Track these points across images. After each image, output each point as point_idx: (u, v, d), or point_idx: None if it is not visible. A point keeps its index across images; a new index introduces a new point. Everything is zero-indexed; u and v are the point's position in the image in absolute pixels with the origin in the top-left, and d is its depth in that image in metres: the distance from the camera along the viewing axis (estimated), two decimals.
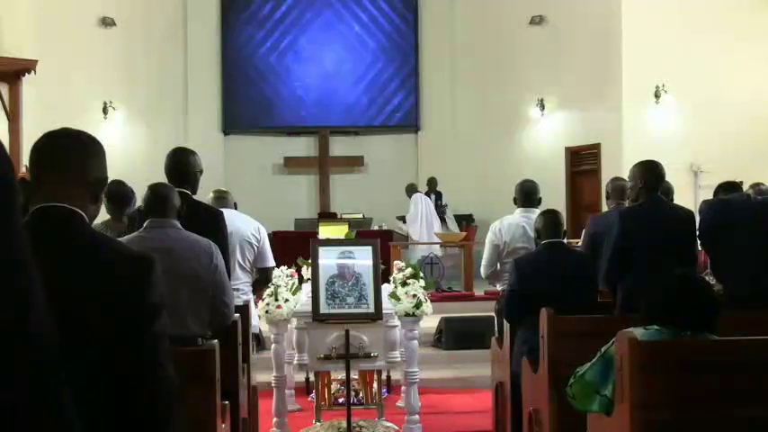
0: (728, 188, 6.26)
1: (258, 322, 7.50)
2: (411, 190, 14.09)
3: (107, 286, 1.92)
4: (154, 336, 1.96)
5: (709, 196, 6.57)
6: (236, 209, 6.36)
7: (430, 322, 8.30)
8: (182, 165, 4.89)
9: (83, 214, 2.02)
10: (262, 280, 6.26)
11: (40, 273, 1.46)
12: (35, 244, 1.88)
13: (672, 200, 6.24)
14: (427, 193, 14.30)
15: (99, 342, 1.88)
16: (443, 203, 14.53)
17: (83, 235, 2.01)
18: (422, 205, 13.81)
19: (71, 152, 2.07)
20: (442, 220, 14.29)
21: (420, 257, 11.71)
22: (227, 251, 4.85)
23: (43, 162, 2.06)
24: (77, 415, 1.24)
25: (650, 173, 5.32)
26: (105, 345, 1.88)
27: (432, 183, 14.60)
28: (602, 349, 3.41)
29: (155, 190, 4.14)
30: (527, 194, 6.32)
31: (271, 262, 6.28)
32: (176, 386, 2.03)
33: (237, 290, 5.66)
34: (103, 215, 5.24)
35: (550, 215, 5.32)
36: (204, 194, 5.62)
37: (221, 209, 5.28)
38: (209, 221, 4.72)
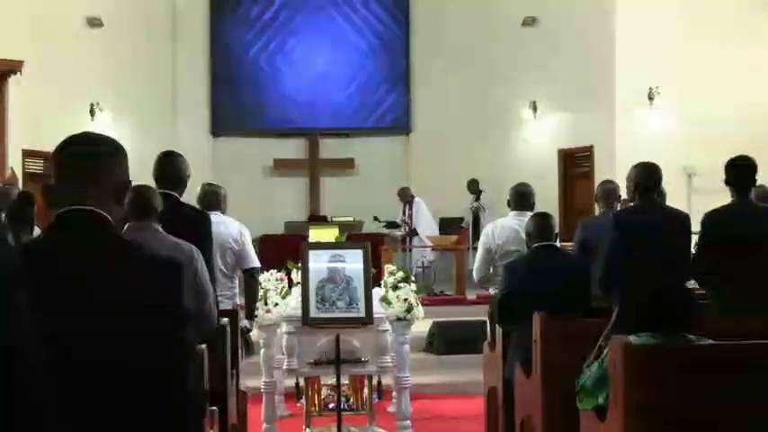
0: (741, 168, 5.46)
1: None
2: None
3: (138, 291, 1.90)
4: (184, 345, 1.95)
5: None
6: (224, 207, 6.25)
7: (421, 327, 8.29)
8: (172, 169, 4.89)
9: (109, 218, 2.01)
10: (250, 282, 6.20)
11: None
12: (63, 247, 1.88)
13: (665, 203, 6.24)
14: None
15: (127, 349, 1.86)
16: (479, 204, 14.41)
17: (111, 238, 2.01)
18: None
19: (94, 155, 2.07)
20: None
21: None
22: (212, 255, 4.84)
23: (66, 166, 2.07)
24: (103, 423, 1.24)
25: (645, 175, 5.33)
26: (134, 353, 1.87)
27: (474, 184, 14.55)
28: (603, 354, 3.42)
29: (135, 192, 4.12)
30: (521, 198, 6.32)
31: (254, 262, 6.20)
32: (203, 399, 2.03)
33: (221, 294, 5.61)
34: None
35: (541, 218, 5.32)
36: (191, 195, 5.56)
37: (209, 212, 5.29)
38: (194, 224, 4.72)
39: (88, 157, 2.06)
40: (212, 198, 6.12)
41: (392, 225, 14.22)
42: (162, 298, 1.91)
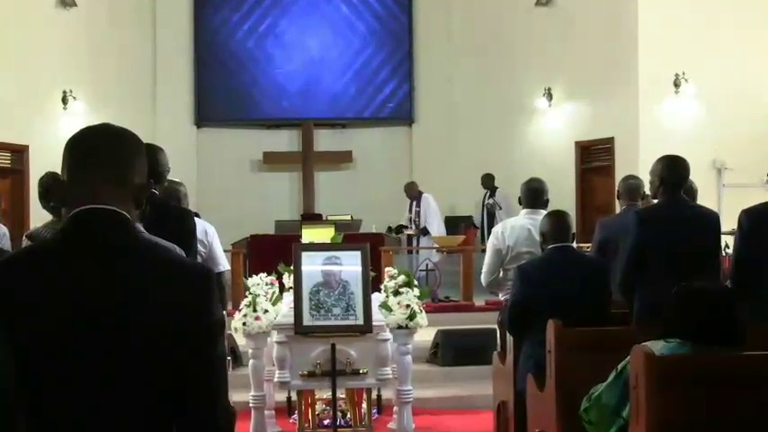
0: None
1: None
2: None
3: (169, 299, 1.89)
4: (218, 358, 1.96)
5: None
6: (185, 206, 6.15)
7: (425, 335, 8.31)
8: (153, 163, 4.90)
9: (129, 218, 1.98)
10: (218, 289, 6.09)
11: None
12: (78, 249, 1.87)
13: (695, 200, 6.24)
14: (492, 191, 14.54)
15: (158, 363, 1.86)
16: (494, 201, 14.41)
17: (137, 240, 1.98)
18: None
19: (115, 151, 2.02)
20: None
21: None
22: (195, 254, 4.87)
23: (83, 160, 2.00)
24: None
25: (671, 170, 5.33)
26: (164, 366, 1.87)
27: (488, 179, 14.59)
28: (619, 367, 3.41)
29: None
30: (533, 195, 6.32)
31: (223, 266, 6.19)
32: (234, 417, 2.05)
33: None
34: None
35: (557, 217, 5.33)
36: None
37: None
38: (177, 223, 4.74)
39: (107, 152, 2.01)
40: (173, 195, 6.06)
41: (401, 229, 14.24)
42: (194, 308, 1.91)
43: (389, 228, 14.29)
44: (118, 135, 2.06)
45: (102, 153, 2.00)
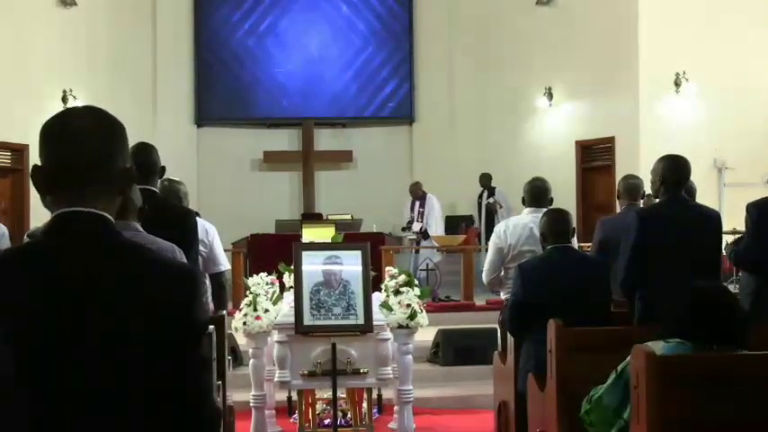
0: None
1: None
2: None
3: (153, 300, 1.87)
4: (200, 359, 1.94)
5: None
6: (186, 205, 6.14)
7: (425, 335, 8.30)
8: (150, 161, 4.89)
9: (111, 219, 1.94)
10: (215, 286, 6.06)
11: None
12: (64, 249, 1.86)
13: (694, 199, 6.24)
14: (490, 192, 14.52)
15: (142, 365, 1.85)
16: (493, 200, 14.39)
17: (118, 243, 1.94)
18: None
19: (93, 139, 1.92)
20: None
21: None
22: (197, 253, 4.85)
23: (59, 150, 1.91)
24: None
25: (672, 169, 5.33)
26: (148, 368, 1.85)
27: (486, 178, 14.59)
28: (619, 368, 3.41)
29: None
30: (537, 194, 6.30)
31: (223, 265, 6.15)
32: (219, 416, 2.03)
33: None
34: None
35: (556, 215, 5.32)
36: None
37: None
38: (177, 222, 4.73)
39: (84, 142, 1.91)
40: (174, 195, 6.04)
41: (409, 226, 14.26)
42: (179, 310, 1.89)
43: (403, 228, 14.31)
44: (92, 119, 1.95)
45: (77, 143, 1.91)
